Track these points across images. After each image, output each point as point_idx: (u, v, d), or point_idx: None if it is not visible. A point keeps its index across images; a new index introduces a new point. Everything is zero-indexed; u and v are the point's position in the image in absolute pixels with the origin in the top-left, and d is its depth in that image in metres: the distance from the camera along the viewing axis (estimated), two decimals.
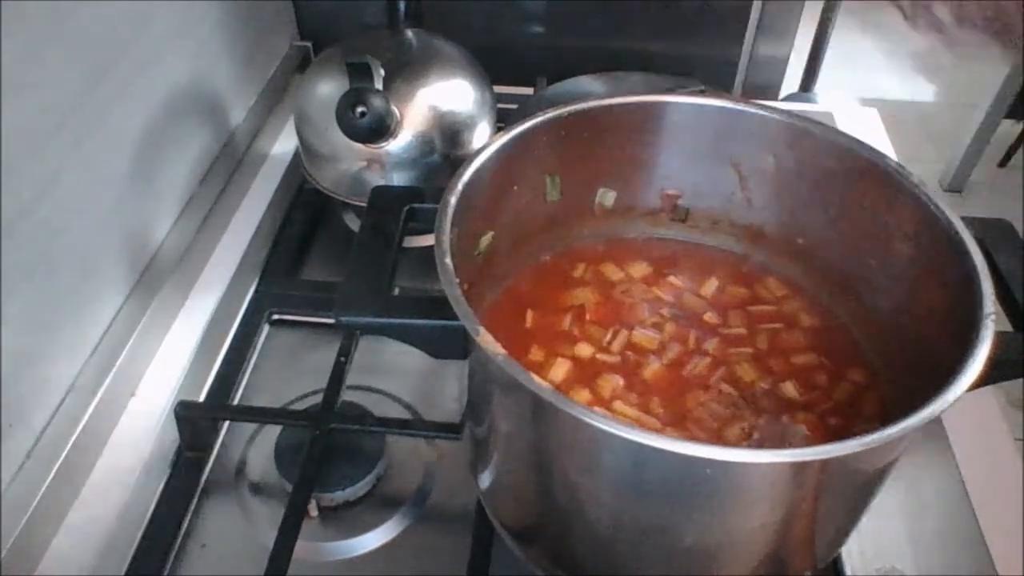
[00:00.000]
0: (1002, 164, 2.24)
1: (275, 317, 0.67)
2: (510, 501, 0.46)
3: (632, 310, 0.53)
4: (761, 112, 0.51)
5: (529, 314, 0.52)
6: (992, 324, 0.37)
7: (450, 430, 0.54)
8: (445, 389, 0.61)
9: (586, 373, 0.49)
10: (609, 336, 0.51)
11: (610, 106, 0.51)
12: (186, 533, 0.53)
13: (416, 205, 0.49)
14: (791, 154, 0.51)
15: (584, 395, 0.47)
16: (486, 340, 0.36)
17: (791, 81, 1.02)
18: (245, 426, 0.59)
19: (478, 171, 0.46)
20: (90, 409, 0.53)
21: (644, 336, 0.51)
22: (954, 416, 0.57)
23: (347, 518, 0.54)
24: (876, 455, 0.37)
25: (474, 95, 0.68)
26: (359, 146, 0.64)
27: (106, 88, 0.55)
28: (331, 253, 0.74)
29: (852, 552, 0.49)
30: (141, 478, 0.53)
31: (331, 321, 0.43)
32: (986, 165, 2.17)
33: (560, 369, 0.49)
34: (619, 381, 0.48)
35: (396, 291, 0.44)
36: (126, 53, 0.58)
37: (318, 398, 0.58)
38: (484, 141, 0.68)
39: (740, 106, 0.51)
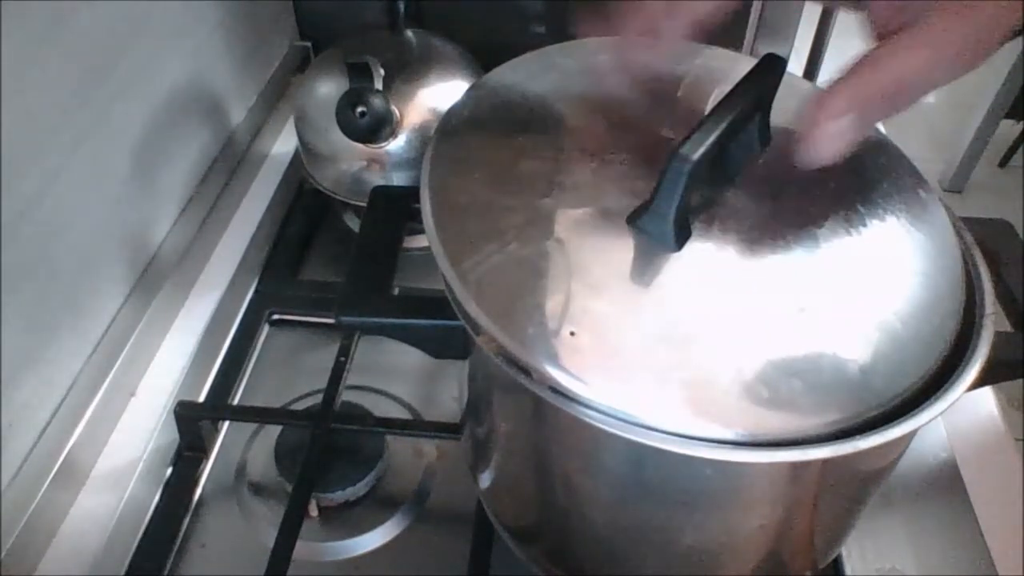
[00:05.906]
0: (1002, 164, 2.25)
1: (275, 317, 0.67)
2: (510, 501, 0.46)
3: None
4: None
5: None
6: (992, 324, 0.37)
7: (450, 430, 0.54)
8: (445, 389, 0.61)
9: None
10: None
11: None
12: (186, 533, 0.53)
13: (416, 205, 0.49)
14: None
15: None
16: (486, 340, 0.36)
17: None
18: (245, 426, 0.59)
19: None
20: (90, 409, 0.54)
21: None
22: (954, 416, 0.57)
23: (347, 518, 0.54)
24: (876, 455, 0.37)
25: None
26: (359, 146, 0.64)
27: (106, 88, 0.55)
28: (331, 253, 0.74)
29: (852, 552, 0.49)
30: (141, 478, 0.53)
31: (331, 321, 0.43)
32: (986, 165, 2.17)
33: None
34: None
35: (396, 291, 0.44)
36: (126, 53, 0.58)
37: (318, 398, 0.58)
38: None
39: None
